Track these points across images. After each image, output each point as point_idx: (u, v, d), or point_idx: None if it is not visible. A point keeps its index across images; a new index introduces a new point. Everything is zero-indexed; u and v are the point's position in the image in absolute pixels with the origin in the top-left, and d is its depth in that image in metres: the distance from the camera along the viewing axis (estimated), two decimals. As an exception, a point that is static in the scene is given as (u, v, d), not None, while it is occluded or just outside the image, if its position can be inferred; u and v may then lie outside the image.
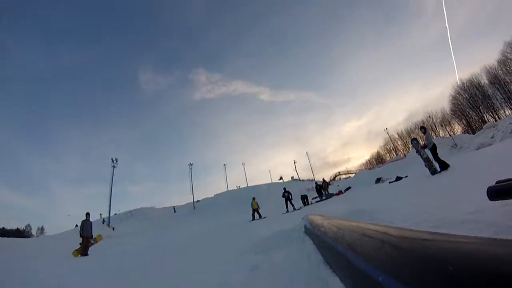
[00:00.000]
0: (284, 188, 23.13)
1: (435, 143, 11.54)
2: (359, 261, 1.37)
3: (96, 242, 15.45)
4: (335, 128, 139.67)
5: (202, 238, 11.53)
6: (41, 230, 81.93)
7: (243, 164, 80.00)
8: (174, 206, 58.35)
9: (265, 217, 19.89)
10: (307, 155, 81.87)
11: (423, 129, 12.04)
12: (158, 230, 33.49)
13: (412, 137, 14.46)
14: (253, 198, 22.75)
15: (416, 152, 12.42)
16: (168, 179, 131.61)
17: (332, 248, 2.21)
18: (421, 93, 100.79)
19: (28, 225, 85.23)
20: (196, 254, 6.88)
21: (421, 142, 12.69)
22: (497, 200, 2.07)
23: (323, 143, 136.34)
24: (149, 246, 13.10)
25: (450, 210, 3.35)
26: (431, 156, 11.20)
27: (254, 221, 19.42)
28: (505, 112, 46.06)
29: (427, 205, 4.31)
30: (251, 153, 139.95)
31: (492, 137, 20.87)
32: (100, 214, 53.90)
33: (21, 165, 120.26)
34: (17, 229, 79.59)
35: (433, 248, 0.91)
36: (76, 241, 14.54)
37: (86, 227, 12.81)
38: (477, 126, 46.94)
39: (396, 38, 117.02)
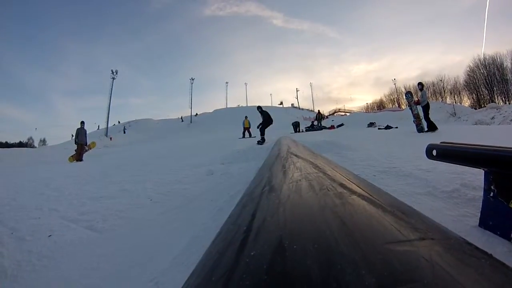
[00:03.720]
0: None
1: (429, 102, 11.51)
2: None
3: (90, 149, 16.13)
4: (344, 66, 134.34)
5: (186, 149, 12.29)
6: (43, 142, 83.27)
7: (246, 84, 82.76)
8: (181, 116, 59.54)
9: (254, 137, 19.82)
10: (311, 86, 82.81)
11: (420, 85, 11.90)
12: (153, 141, 34.37)
13: (407, 91, 14.23)
14: (246, 117, 23.26)
15: (408, 106, 12.49)
16: (169, 93, 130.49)
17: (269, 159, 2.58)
18: (440, 56, 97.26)
19: (31, 137, 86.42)
20: (171, 161, 7.41)
21: (416, 99, 12.60)
22: (433, 159, 2.08)
23: (329, 78, 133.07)
24: (137, 153, 13.71)
25: (406, 163, 3.65)
26: (421, 114, 11.27)
27: (243, 138, 19.82)
28: None
29: (391, 154, 4.62)
30: (255, 75, 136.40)
31: (492, 118, 20.72)
32: (98, 126, 54.74)
33: (20, 79, 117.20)
34: (20, 142, 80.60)
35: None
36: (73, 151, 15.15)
37: (80, 134, 13.43)
38: (485, 104, 46.13)
39: None
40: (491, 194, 1.73)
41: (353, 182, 0.98)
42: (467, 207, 2.07)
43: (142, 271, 1.86)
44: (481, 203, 1.81)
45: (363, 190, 0.86)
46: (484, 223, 1.77)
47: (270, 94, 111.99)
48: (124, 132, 47.89)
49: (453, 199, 2.28)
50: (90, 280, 1.90)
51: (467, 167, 1.92)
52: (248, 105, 67.33)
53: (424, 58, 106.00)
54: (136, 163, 7.96)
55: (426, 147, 2.15)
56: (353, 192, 0.83)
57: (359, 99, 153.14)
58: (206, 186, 3.99)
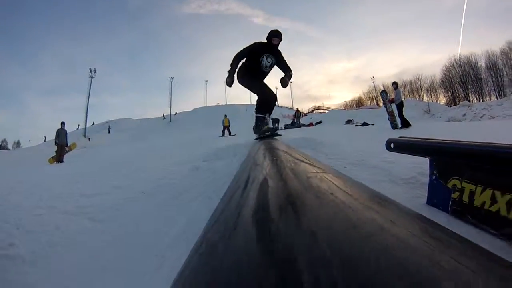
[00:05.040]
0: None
1: (403, 101, 12.17)
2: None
3: (71, 150, 16.06)
4: (324, 64, 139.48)
5: (168, 148, 12.33)
6: (17, 144, 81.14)
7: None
8: (164, 114, 59.48)
9: (234, 135, 20.56)
10: (290, 84, 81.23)
11: (395, 84, 12.83)
12: (135, 140, 34.14)
13: (382, 89, 14.97)
14: (225, 116, 23.69)
15: (383, 104, 13.17)
16: (148, 91, 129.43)
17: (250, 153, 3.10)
18: (418, 55, 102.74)
19: (4, 139, 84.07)
20: (156, 159, 7.58)
21: (390, 97, 13.27)
22: (391, 151, 2.50)
23: (309, 76, 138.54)
24: (120, 152, 13.79)
25: (374, 156, 4.01)
26: (396, 112, 11.93)
27: (223, 137, 19.96)
28: (490, 98, 47.23)
29: (363, 148, 4.98)
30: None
31: (464, 115, 21.82)
32: (78, 126, 53.69)
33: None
34: (-9, 144, 78.07)
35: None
36: (51, 152, 14.99)
37: (61, 135, 13.33)
38: (460, 102, 48.27)
39: None
40: (434, 177, 2.15)
41: (330, 173, 1.17)
42: (420, 190, 2.49)
43: (147, 249, 2.16)
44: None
45: (342, 180, 1.05)
46: (430, 201, 2.19)
47: (250, 92, 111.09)
48: (109, 132, 47.33)
49: (410, 184, 2.71)
50: (99, 261, 2.19)
51: (425, 158, 2.31)
52: (228, 103, 67.56)
53: (402, 56, 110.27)
54: (121, 162, 8.14)
55: (385, 142, 2.56)
56: (332, 180, 0.98)
57: (338, 96, 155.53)
58: (192, 180, 4.28)
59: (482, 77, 50.72)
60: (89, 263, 2.16)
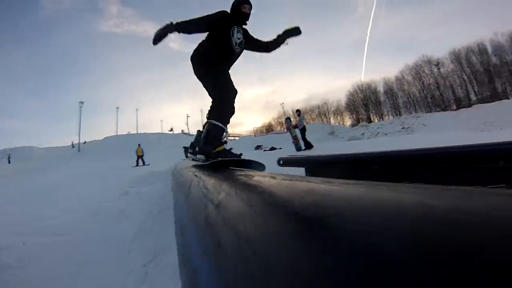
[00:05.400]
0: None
1: (306, 126, 13.87)
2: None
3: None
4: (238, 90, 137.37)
5: (84, 177, 12.25)
6: None
7: (137, 109, 73.87)
8: (73, 142, 54.37)
9: (148, 164, 20.70)
10: (201, 112, 78.23)
11: (298, 111, 14.82)
12: (42, 171, 31.49)
13: (286, 117, 16.76)
14: (139, 145, 23.54)
15: (288, 130, 14.78)
16: (54, 117, 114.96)
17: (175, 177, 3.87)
18: (326, 81, 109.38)
19: None
20: (84, 187, 7.76)
21: (294, 123, 14.92)
22: (281, 166, 3.19)
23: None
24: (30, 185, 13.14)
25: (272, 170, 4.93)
26: (299, 136, 13.58)
27: (137, 167, 20.17)
28: (389, 117, 54.92)
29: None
30: (147, 100, 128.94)
31: (362, 134, 24.66)
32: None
33: None
34: None
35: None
36: None
37: None
38: (362, 122, 54.18)
39: (321, 24, 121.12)
40: (307, 180, 3.18)
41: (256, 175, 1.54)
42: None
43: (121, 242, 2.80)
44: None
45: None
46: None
47: (161, 120, 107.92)
48: (9, 162, 42.55)
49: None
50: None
51: (302, 168, 3.32)
52: (139, 131, 64.80)
53: (311, 82, 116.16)
54: (39, 194, 7.99)
55: (277, 160, 3.42)
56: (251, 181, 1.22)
57: (249, 122, 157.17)
58: (128, 202, 4.78)
59: (381, 100, 59.04)
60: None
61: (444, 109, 46.62)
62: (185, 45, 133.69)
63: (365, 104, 61.66)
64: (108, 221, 3.67)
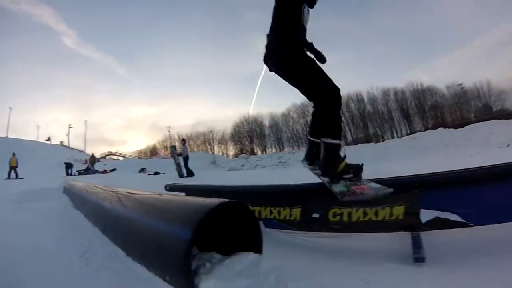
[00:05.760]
0: None
1: (189, 155, 15.16)
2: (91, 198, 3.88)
3: None
4: (124, 107, 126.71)
5: None
6: None
7: (10, 108, 61.85)
8: None
9: (22, 178, 18.81)
10: (86, 123, 71.54)
11: (183, 141, 16.23)
12: None
13: (172, 144, 17.89)
14: (13, 154, 21.27)
15: (172, 157, 15.88)
16: None
17: (79, 195, 4.85)
18: (215, 109, 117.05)
19: None
20: None
21: (178, 151, 16.10)
22: (170, 191, 4.06)
23: (106, 116, 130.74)
24: None
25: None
26: (182, 164, 14.78)
27: (9, 179, 18.46)
28: (272, 150, 60.79)
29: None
30: (25, 99, 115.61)
31: (242, 165, 26.67)
32: None
33: None
34: None
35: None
36: None
37: None
38: (247, 153, 56.58)
39: (221, 51, 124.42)
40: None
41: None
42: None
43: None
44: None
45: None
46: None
47: (38, 126, 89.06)
48: None
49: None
50: None
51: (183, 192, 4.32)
52: (9, 136, 54.31)
53: (200, 108, 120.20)
54: None
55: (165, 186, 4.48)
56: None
57: (133, 142, 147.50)
58: (31, 217, 4.81)
59: (266, 133, 64.00)
60: None
61: None
62: (79, 44, 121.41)
63: (250, 136, 65.29)
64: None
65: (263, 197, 3.21)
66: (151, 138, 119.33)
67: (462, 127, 25.05)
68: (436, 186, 2.52)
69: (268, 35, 2.66)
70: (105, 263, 2.34)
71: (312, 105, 2.51)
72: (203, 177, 13.59)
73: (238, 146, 65.71)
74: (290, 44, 2.54)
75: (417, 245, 2.27)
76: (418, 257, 2.20)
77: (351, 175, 2.44)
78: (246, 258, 1.74)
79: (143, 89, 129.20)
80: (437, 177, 2.58)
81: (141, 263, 2.00)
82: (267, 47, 2.67)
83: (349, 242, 2.64)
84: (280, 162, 25.96)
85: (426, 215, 2.43)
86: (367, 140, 48.08)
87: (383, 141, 40.85)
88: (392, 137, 51.11)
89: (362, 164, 2.54)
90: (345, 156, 2.51)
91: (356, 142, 48.03)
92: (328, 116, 2.45)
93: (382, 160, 15.07)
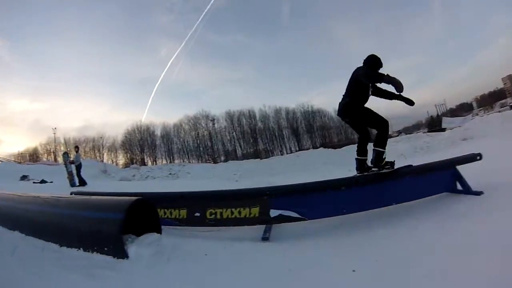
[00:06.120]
0: None
1: (82, 163, 14.84)
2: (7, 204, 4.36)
3: None
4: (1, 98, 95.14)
5: None
6: None
7: None
8: None
9: None
10: None
11: (77, 148, 15.61)
12: None
13: (64, 151, 17.10)
14: None
15: (64, 164, 15.24)
16: None
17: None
18: (107, 113, 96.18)
19: None
20: None
21: (71, 159, 15.45)
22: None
23: None
24: None
25: None
26: (74, 172, 14.40)
27: None
28: (162, 161, 58.72)
29: None
30: None
31: (133, 176, 26.24)
32: None
33: None
34: None
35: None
36: None
37: None
38: (137, 163, 53.83)
39: (120, 49, 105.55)
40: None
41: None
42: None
43: None
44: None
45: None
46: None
47: None
48: None
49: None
50: None
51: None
52: None
53: (90, 110, 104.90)
54: None
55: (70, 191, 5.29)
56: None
57: (9, 142, 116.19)
58: None
59: (157, 143, 61.61)
60: None
61: (214, 160, 53.77)
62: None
63: (141, 145, 61.42)
64: None
65: (159, 201, 4.31)
66: (32, 139, 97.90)
67: (341, 147, 28.75)
68: (279, 194, 4.14)
69: (342, 98, 4.49)
70: (41, 254, 2.88)
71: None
72: (95, 187, 13.52)
73: (128, 155, 60.94)
74: (355, 110, 4.38)
75: (266, 231, 3.76)
76: (264, 237, 3.64)
77: (389, 166, 4.23)
78: (152, 236, 2.99)
79: (25, 77, 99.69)
80: (280, 188, 4.31)
81: (78, 247, 2.81)
82: (340, 106, 4.53)
83: (221, 233, 4.04)
84: (170, 174, 26.26)
85: (274, 213, 3.96)
86: (257, 155, 50.65)
87: (272, 157, 43.87)
88: (282, 153, 54.82)
89: (394, 161, 4.30)
90: (385, 157, 4.28)
91: (245, 157, 49.97)
92: (381, 137, 4.27)
93: (267, 175, 17.08)
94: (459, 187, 4.34)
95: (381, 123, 4.29)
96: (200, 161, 55.53)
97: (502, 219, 3.06)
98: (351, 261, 2.63)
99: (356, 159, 4.56)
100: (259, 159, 32.70)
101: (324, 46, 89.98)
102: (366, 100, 4.49)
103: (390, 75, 3.94)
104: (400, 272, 2.31)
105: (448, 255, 2.51)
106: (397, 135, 38.12)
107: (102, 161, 48.03)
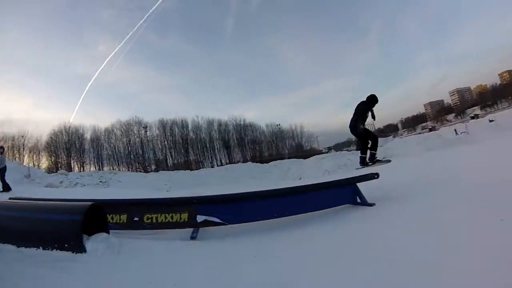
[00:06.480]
0: None
1: (6, 165, 13.62)
2: None
3: None
4: None
5: None
6: None
7: None
8: None
9: None
10: None
11: (1, 149, 13.57)
12: None
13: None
14: None
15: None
16: None
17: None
18: (31, 108, 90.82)
19: None
20: None
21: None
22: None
23: None
24: None
25: None
26: (-2, 175, 13.19)
27: None
28: (91, 167, 54.24)
29: None
30: None
31: (61, 182, 24.99)
32: None
33: None
34: None
35: None
36: None
37: None
38: (63, 168, 48.88)
39: (55, 38, 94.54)
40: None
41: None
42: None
43: None
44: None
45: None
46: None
47: None
48: None
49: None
50: None
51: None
52: None
53: (11, 103, 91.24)
54: None
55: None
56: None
57: None
58: None
59: (86, 148, 55.96)
60: None
61: (145, 168, 51.90)
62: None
63: (68, 148, 55.00)
64: None
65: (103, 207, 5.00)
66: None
67: (268, 162, 30.49)
68: (205, 202, 5.23)
69: (351, 119, 7.25)
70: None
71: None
72: (20, 193, 13.02)
73: (53, 158, 53.64)
74: (358, 127, 7.06)
75: (193, 232, 4.77)
76: (192, 236, 4.67)
77: (381, 161, 7.53)
78: (103, 235, 3.78)
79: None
80: (205, 197, 5.49)
81: (37, 246, 3.34)
82: (350, 124, 7.29)
83: (157, 235, 4.90)
84: (101, 181, 25.65)
85: (200, 218, 4.97)
86: (187, 166, 50.69)
87: (202, 167, 44.43)
88: (212, 165, 54.59)
89: (388, 158, 9.27)
90: (377, 156, 7.45)
91: (176, 167, 50.12)
92: (374, 145, 7.35)
93: (197, 186, 18.21)
94: (358, 200, 5.82)
95: (374, 137, 7.55)
96: (130, 169, 53.49)
97: (378, 223, 4.52)
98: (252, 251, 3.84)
99: (360, 156, 7.50)
100: (189, 170, 33.05)
101: (261, 62, 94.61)
102: (365, 121, 7.32)
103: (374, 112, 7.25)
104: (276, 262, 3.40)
105: (329, 251, 3.60)
106: (327, 151, 41.28)
107: (24, 163, 43.49)
